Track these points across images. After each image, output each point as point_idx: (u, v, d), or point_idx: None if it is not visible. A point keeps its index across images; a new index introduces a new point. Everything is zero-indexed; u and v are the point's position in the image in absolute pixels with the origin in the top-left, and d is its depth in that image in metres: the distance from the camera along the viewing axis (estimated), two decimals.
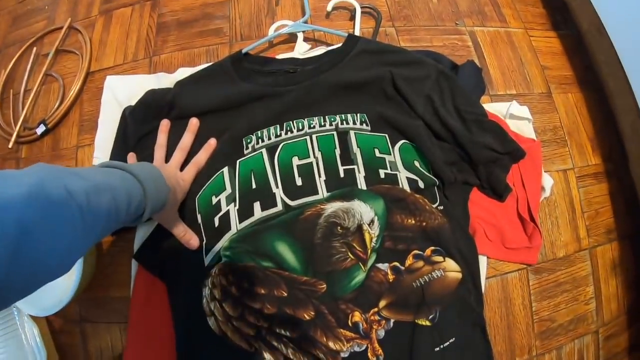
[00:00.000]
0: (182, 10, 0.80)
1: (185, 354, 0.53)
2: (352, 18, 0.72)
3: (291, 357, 0.48)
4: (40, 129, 0.70)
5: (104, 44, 0.79)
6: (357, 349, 0.48)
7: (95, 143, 0.67)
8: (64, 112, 0.73)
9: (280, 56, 0.67)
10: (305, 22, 0.69)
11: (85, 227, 0.34)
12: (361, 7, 0.71)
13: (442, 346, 0.49)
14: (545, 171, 0.62)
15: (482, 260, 0.57)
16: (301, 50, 0.67)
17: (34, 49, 0.81)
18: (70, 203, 0.32)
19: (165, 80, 0.68)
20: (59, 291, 0.57)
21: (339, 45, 0.64)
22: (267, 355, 0.48)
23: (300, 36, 0.69)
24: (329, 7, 0.71)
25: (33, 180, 0.30)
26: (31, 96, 0.75)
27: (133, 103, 0.63)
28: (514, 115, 0.64)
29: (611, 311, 0.62)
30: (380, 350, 0.48)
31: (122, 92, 0.68)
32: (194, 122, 0.59)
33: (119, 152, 0.61)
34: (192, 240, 0.53)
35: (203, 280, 0.52)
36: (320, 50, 0.68)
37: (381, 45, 0.64)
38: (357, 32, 0.70)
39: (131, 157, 0.58)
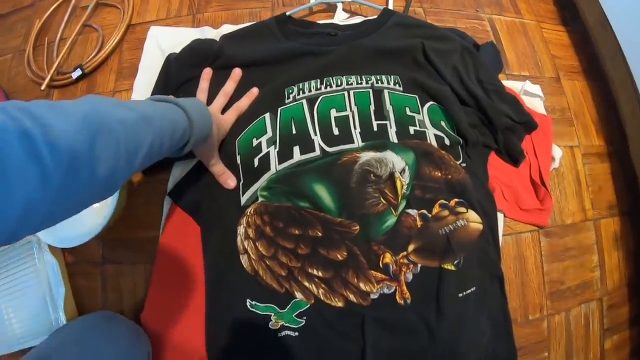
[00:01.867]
0: None
1: (213, 291, 0.54)
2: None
3: (322, 297, 0.50)
4: (77, 73, 0.71)
5: (146, 1, 0.80)
6: (386, 290, 0.50)
7: (134, 87, 0.68)
8: (103, 59, 0.73)
9: (320, 22, 0.71)
10: None
11: (128, 155, 0.35)
12: None
13: (465, 293, 0.52)
14: (554, 144, 0.67)
15: (500, 217, 0.61)
16: (340, 17, 0.72)
17: (72, 1, 0.82)
18: (117, 130, 0.33)
19: (209, 34, 0.71)
20: (83, 224, 0.58)
21: (375, 16, 0.69)
22: (298, 295, 0.50)
23: (340, 6, 0.73)
24: None
25: (85, 111, 0.31)
26: (67, 44, 0.75)
27: (177, 51, 0.65)
28: (528, 92, 0.69)
29: (614, 281, 0.66)
30: (408, 294, 0.50)
31: (165, 41, 0.71)
32: (237, 72, 0.62)
33: (159, 94, 0.63)
34: (229, 180, 0.55)
35: (238, 219, 0.54)
36: (357, 19, 0.73)
37: (413, 20, 0.69)
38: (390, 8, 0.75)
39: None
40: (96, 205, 0.57)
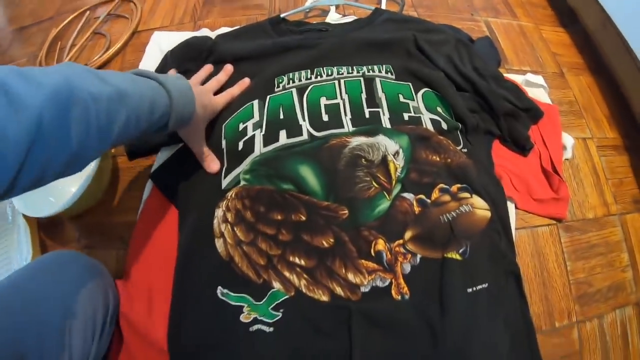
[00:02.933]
0: None
1: (182, 277, 0.49)
2: (379, 3, 0.78)
3: (304, 290, 0.44)
4: None
5: (153, 12, 0.88)
6: (379, 283, 0.44)
7: None
8: (106, 60, 0.78)
9: (313, 22, 0.72)
10: None
11: (100, 131, 0.34)
12: None
13: (475, 288, 0.45)
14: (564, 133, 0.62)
15: (511, 208, 0.55)
16: (333, 18, 0.74)
17: (87, 12, 0.91)
18: (89, 105, 0.32)
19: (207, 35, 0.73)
20: (55, 197, 0.58)
21: (367, 16, 0.70)
22: (276, 285, 0.44)
23: (333, 8, 0.75)
24: None
25: (57, 81, 0.30)
26: (76, 48, 0.82)
27: None
28: (530, 82, 0.66)
29: None
30: (406, 288, 0.44)
31: (166, 43, 0.74)
32: (228, 67, 0.62)
33: None
34: (212, 163, 0.53)
35: (217, 202, 0.50)
36: (349, 18, 0.74)
37: (405, 16, 0.70)
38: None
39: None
40: (69, 179, 0.58)
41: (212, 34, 0.74)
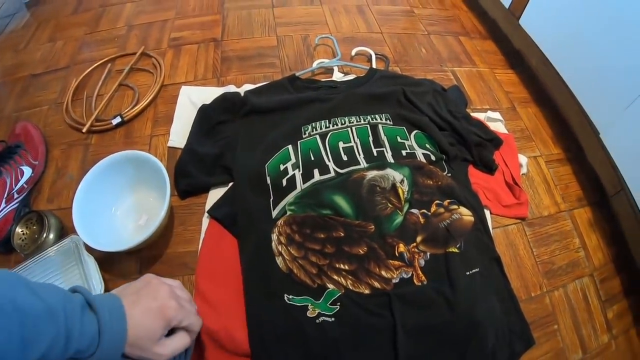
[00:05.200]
0: (241, 49, 1.04)
1: (253, 290, 0.61)
2: (369, 60, 1.00)
3: (351, 287, 0.59)
4: (116, 120, 0.84)
5: (175, 67, 0.99)
6: (404, 275, 0.60)
7: (171, 131, 0.84)
8: (140, 110, 0.87)
9: (323, 80, 0.93)
10: (338, 60, 0.96)
11: (25, 345, 0.33)
12: (375, 54, 1.00)
13: (471, 272, 0.62)
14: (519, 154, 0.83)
15: (487, 213, 0.74)
16: (337, 76, 0.94)
17: (108, 65, 0.98)
18: (11, 317, 0.32)
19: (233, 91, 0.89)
20: (122, 238, 0.67)
21: (364, 74, 0.91)
22: (330, 286, 0.59)
23: (336, 68, 0.96)
24: (353, 53, 1.01)
25: None
26: (105, 99, 0.89)
27: (207, 103, 0.84)
28: (491, 118, 0.87)
29: (599, 259, 0.76)
30: (423, 277, 0.60)
31: (196, 96, 0.89)
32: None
33: (196, 134, 0.80)
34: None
35: (271, 228, 0.65)
36: (351, 76, 0.94)
37: (394, 73, 0.92)
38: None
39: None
40: (140, 223, 0.68)
41: (238, 90, 0.90)
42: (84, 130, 0.83)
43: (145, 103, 0.89)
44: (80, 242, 0.63)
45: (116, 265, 0.67)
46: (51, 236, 0.67)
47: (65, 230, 0.70)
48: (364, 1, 1.24)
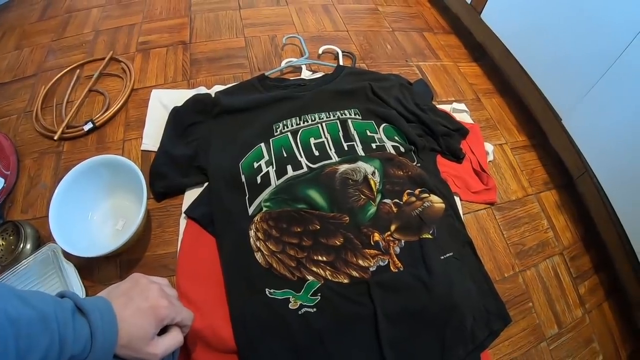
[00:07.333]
0: (209, 51, 1.04)
1: (234, 286, 0.61)
2: (336, 58, 1.02)
3: (330, 277, 0.60)
4: (88, 126, 0.83)
5: (144, 71, 0.98)
6: (381, 263, 0.61)
7: (143, 134, 0.83)
8: (111, 115, 0.86)
9: (291, 78, 0.93)
10: (306, 59, 0.97)
11: (20, 357, 0.32)
12: (342, 52, 1.01)
13: (445, 256, 0.64)
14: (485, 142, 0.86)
15: (457, 200, 0.76)
16: (306, 75, 0.95)
17: (77, 71, 0.96)
18: (5, 329, 0.31)
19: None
20: (99, 243, 0.66)
21: (332, 72, 0.92)
22: (309, 278, 0.60)
23: (304, 67, 0.97)
24: (320, 51, 1.02)
25: None
26: (75, 105, 0.88)
27: (178, 105, 0.82)
28: (456, 110, 0.90)
29: (567, 238, 0.79)
30: (400, 263, 0.61)
31: (167, 99, 0.89)
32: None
33: (169, 136, 0.79)
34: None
35: (249, 225, 0.66)
36: (319, 74, 0.95)
37: (361, 70, 0.93)
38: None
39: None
40: (117, 227, 0.67)
41: (209, 91, 0.90)
42: (55, 138, 0.82)
43: (117, 108, 0.89)
44: (59, 250, 0.63)
45: (96, 272, 0.66)
46: (28, 246, 0.66)
47: (42, 239, 0.69)
48: (330, 0, 1.27)
